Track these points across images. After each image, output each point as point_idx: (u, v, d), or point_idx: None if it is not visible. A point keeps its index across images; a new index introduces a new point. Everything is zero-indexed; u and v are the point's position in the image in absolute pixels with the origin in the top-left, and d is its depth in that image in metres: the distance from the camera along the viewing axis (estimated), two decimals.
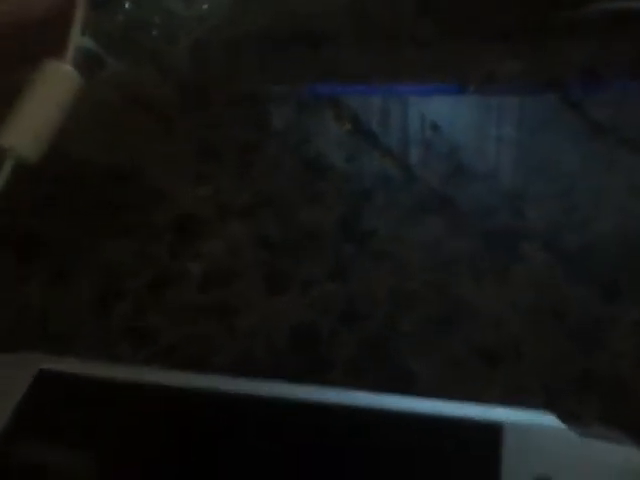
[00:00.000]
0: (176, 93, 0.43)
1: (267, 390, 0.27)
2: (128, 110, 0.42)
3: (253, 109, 0.43)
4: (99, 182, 0.39)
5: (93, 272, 0.36)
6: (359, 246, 0.35)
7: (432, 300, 0.32)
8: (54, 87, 0.34)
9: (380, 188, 0.38)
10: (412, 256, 0.34)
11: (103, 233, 0.37)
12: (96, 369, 0.29)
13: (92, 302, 0.35)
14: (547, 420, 0.24)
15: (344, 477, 0.25)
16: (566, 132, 0.40)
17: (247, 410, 0.27)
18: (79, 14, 0.35)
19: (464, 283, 0.33)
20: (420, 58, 0.45)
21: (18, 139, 0.33)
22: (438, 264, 0.34)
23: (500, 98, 0.43)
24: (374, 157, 0.40)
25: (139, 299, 0.34)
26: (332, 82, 0.45)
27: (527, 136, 0.41)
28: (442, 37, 0.46)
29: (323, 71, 0.45)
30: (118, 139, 0.41)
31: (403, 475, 0.24)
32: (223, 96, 0.44)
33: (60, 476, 0.27)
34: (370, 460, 0.25)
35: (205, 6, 0.49)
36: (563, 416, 0.24)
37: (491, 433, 0.24)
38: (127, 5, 0.47)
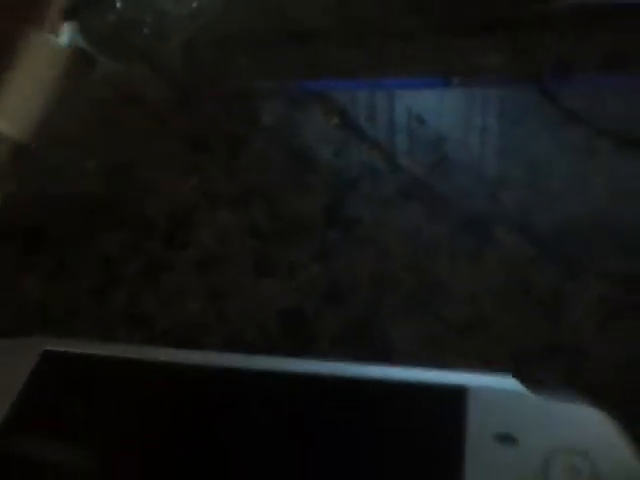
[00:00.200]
0: (168, 90, 0.44)
1: (256, 363, 0.28)
2: (121, 107, 0.43)
3: (243, 105, 0.45)
4: (94, 177, 0.41)
5: (91, 263, 0.37)
6: (343, 232, 0.37)
7: (411, 282, 0.34)
8: (41, 62, 0.34)
9: (366, 178, 0.40)
10: (393, 241, 0.36)
11: (100, 226, 0.38)
12: (100, 349, 0.30)
13: (90, 291, 0.36)
14: (510, 384, 0.26)
15: (320, 442, 0.26)
16: (542, 122, 0.41)
17: (243, 384, 0.28)
18: None
19: (440, 265, 0.34)
20: (406, 53, 0.46)
21: (9, 121, 0.33)
22: (417, 249, 0.36)
23: (483, 90, 0.44)
24: (362, 150, 0.41)
25: (134, 287, 0.36)
26: (320, 78, 0.47)
27: (506, 126, 0.42)
28: (427, 32, 0.47)
29: (311, 67, 0.47)
30: (112, 135, 0.42)
31: (375, 436, 0.26)
32: (214, 92, 0.45)
33: (67, 455, 0.28)
34: (343, 426, 0.26)
35: (195, 4, 0.50)
36: (528, 381, 0.26)
37: (457, 396, 0.26)
38: (118, 4, 0.48)
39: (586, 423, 0.25)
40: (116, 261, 0.37)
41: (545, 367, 0.27)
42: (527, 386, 0.26)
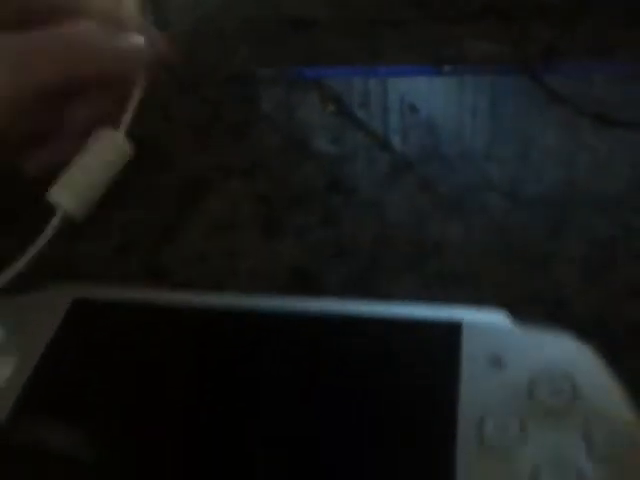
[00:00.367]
0: (170, 77, 0.45)
1: (268, 303, 0.31)
2: None
3: (242, 91, 0.47)
4: None
5: (113, 227, 0.39)
6: (346, 199, 0.40)
7: (408, 241, 0.37)
8: (106, 153, 0.37)
9: (362, 158, 0.42)
10: (392, 206, 0.39)
11: (120, 194, 0.39)
12: (130, 294, 0.32)
13: (113, 251, 0.38)
14: (500, 317, 0.29)
15: (322, 379, 0.29)
16: (530, 104, 0.44)
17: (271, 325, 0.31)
18: (138, 91, 0.38)
19: (435, 228, 0.37)
20: (398, 41, 0.49)
21: (67, 197, 0.36)
22: (413, 212, 0.38)
23: (474, 76, 0.46)
24: (357, 136, 0.43)
25: (153, 247, 0.38)
26: (316, 65, 0.48)
27: (496, 108, 0.45)
28: (419, 20, 0.50)
29: (307, 55, 0.49)
30: None
31: (382, 364, 0.29)
32: (214, 79, 0.47)
33: (101, 402, 0.29)
34: (345, 361, 0.29)
35: None
36: (516, 316, 0.29)
37: (454, 327, 0.29)
38: None
39: (569, 351, 0.28)
40: (135, 226, 0.39)
41: (530, 314, 0.30)
42: (516, 320, 0.29)
